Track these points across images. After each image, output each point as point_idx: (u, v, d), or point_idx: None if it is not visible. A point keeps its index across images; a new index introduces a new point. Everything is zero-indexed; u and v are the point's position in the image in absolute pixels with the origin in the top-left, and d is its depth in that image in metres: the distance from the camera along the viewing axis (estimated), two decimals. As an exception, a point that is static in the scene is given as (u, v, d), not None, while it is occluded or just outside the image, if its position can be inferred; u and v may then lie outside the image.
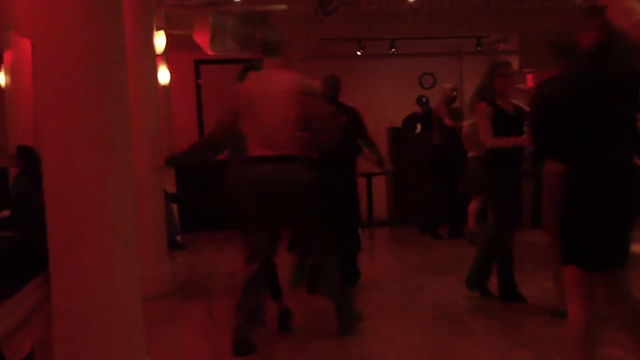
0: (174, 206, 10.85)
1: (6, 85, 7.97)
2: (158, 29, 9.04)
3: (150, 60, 7.62)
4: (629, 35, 3.80)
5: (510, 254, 6.63)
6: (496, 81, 6.50)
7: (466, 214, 9.88)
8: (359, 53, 13.34)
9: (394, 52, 13.34)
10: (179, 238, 10.76)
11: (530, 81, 12.46)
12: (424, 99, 12.97)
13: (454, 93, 10.53)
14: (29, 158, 7.86)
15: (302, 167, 5.57)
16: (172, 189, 10.75)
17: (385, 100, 13.02)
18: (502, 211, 6.58)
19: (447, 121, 10.25)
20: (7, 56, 7.77)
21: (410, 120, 12.83)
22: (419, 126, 12.34)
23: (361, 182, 9.97)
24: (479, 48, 13.19)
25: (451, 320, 6.30)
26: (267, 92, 5.54)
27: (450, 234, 10.58)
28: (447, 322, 6.24)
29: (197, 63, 13.65)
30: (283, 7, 9.54)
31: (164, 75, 10.52)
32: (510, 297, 6.62)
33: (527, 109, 6.30)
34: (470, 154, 9.85)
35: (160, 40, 9.53)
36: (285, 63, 5.76)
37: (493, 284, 6.76)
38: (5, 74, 7.89)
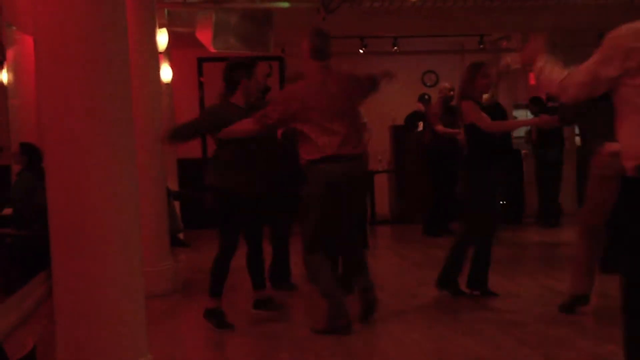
0: (176, 204, 10.84)
1: (9, 82, 7.98)
2: (160, 27, 9.02)
3: (153, 57, 7.61)
4: None
5: (488, 251, 6.73)
6: (478, 81, 6.63)
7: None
8: (361, 51, 13.31)
9: (396, 50, 13.31)
10: (180, 236, 10.76)
11: (533, 79, 12.44)
12: (426, 97, 12.96)
13: (451, 93, 10.49)
14: (31, 155, 7.88)
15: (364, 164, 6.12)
16: (174, 186, 10.74)
17: (388, 98, 12.94)
18: (476, 211, 6.64)
19: (438, 127, 10.20)
20: (10, 53, 7.77)
21: (413, 118, 12.82)
22: (421, 124, 12.32)
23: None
24: (481, 46, 13.16)
25: (454, 318, 6.29)
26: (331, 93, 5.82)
27: (433, 232, 10.60)
28: (451, 320, 6.24)
29: (200, 61, 13.64)
30: (285, 4, 9.53)
31: (166, 73, 10.50)
32: (476, 285, 6.76)
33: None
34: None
35: (162, 38, 9.52)
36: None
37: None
38: (8, 71, 7.89)
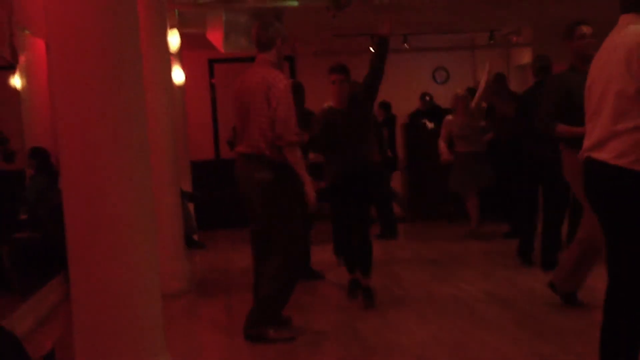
0: (190, 205, 10.88)
1: (22, 86, 8.02)
2: (171, 28, 9.05)
3: (165, 59, 7.64)
4: None
5: None
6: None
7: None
8: (371, 49, 13.31)
9: (406, 46, 13.31)
10: (195, 237, 10.80)
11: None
12: (427, 97, 12.93)
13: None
14: (40, 158, 7.94)
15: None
16: (187, 187, 10.78)
17: (398, 95, 12.97)
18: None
19: (443, 157, 10.05)
20: (22, 58, 7.81)
21: (416, 116, 12.84)
22: (426, 122, 12.29)
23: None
24: (491, 41, 13.14)
25: (470, 312, 6.30)
26: (242, 88, 5.64)
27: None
28: (467, 314, 6.25)
29: (211, 62, 13.68)
30: (295, 3, 9.53)
31: (178, 75, 10.53)
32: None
33: None
34: (461, 149, 9.87)
35: (173, 39, 9.55)
36: (277, 60, 5.73)
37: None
38: (21, 75, 7.93)
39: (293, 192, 5.71)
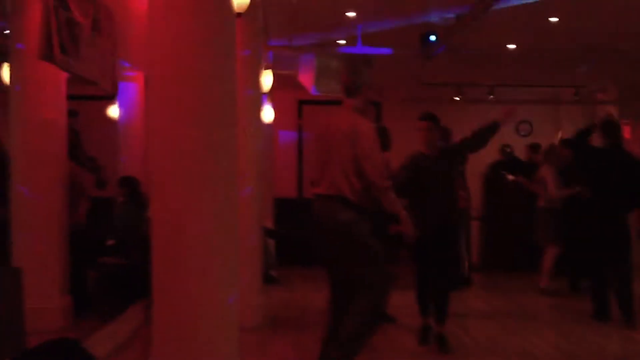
0: (271, 242, 11.00)
1: (119, 117, 8.29)
2: (266, 68, 9.25)
3: (257, 98, 7.82)
4: None
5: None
6: None
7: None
8: (457, 98, 13.36)
9: (492, 98, 13.32)
10: (274, 273, 10.91)
11: (628, 132, 12.25)
12: (507, 149, 12.85)
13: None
14: (130, 187, 8.20)
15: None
16: (270, 224, 10.92)
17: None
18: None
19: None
20: (122, 88, 8.08)
21: (496, 167, 12.77)
22: (506, 174, 12.23)
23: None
24: (576, 97, 13.05)
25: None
26: (328, 131, 5.68)
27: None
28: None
29: (300, 103, 13.88)
30: (388, 51, 9.68)
31: (269, 113, 10.71)
32: None
33: None
34: (542, 204, 9.76)
35: (267, 79, 9.75)
36: (364, 106, 5.75)
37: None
38: (119, 106, 8.21)
39: (373, 234, 5.74)
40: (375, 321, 5.69)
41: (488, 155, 13.01)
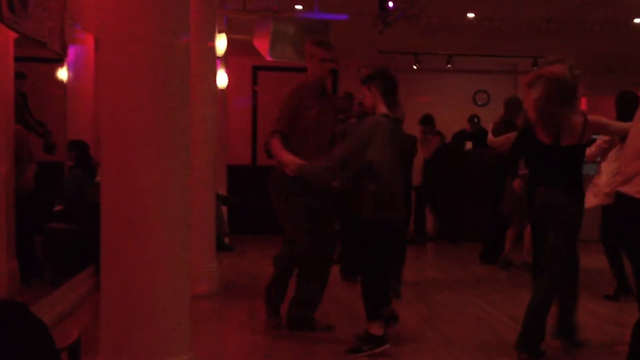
0: (224, 209, 10.94)
1: (68, 80, 8.12)
2: (219, 32, 9.12)
3: (211, 62, 7.70)
4: None
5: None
6: None
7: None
8: (415, 67, 13.34)
9: (450, 67, 13.32)
10: (226, 240, 10.86)
11: (584, 104, 12.30)
12: (475, 120, 12.88)
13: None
14: (79, 151, 8.04)
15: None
16: (223, 191, 10.85)
17: (438, 115, 12.97)
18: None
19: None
20: (71, 51, 7.91)
21: (459, 137, 12.82)
22: (468, 143, 12.29)
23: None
24: (535, 68, 13.09)
25: (496, 337, 6.28)
26: None
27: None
28: (491, 339, 6.22)
29: (255, 69, 13.76)
30: (344, 17, 9.59)
31: (222, 79, 10.59)
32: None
33: None
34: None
35: (221, 43, 9.61)
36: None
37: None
38: (68, 69, 8.04)
39: None
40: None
41: (450, 125, 13.13)
